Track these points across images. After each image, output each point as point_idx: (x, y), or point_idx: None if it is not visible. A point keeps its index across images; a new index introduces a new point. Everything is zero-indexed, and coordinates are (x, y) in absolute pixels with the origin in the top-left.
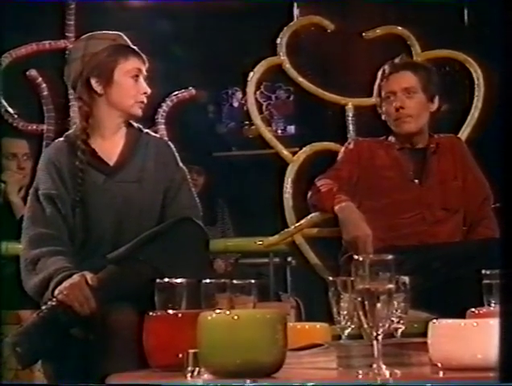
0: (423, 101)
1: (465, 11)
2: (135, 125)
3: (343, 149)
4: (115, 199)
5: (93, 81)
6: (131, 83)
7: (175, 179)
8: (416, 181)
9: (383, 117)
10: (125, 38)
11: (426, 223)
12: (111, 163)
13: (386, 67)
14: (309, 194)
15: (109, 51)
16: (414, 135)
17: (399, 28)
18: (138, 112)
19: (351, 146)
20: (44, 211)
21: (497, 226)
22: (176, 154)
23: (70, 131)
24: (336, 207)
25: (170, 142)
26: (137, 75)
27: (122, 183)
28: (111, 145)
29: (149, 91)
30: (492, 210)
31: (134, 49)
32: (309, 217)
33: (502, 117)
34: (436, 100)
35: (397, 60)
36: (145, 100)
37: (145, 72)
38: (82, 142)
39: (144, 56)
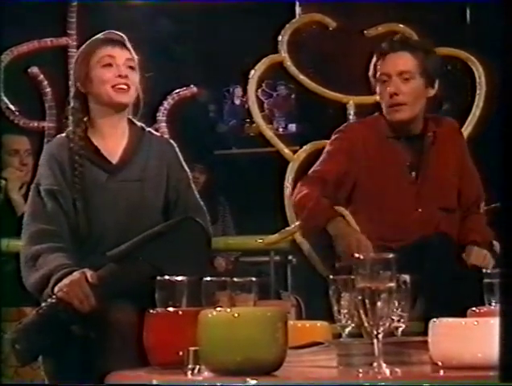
0: (421, 87)
1: (467, 10)
2: (138, 123)
3: (334, 137)
4: (117, 197)
5: (78, 83)
6: (103, 71)
7: (182, 180)
8: (413, 174)
9: (377, 98)
10: (115, 32)
11: (423, 224)
12: (114, 162)
13: (383, 44)
14: (293, 200)
15: (84, 49)
16: (407, 123)
17: (401, 26)
18: (119, 97)
19: (342, 135)
20: (45, 206)
21: (484, 228)
22: (179, 154)
23: (70, 128)
24: (329, 226)
25: (172, 141)
26: (109, 63)
27: (125, 182)
28: (114, 144)
29: (124, 73)
30: (481, 210)
31: (108, 39)
32: None
33: (503, 115)
34: (436, 84)
35: (395, 38)
36: (124, 85)
37: (123, 59)
38: (80, 138)
39: (124, 43)
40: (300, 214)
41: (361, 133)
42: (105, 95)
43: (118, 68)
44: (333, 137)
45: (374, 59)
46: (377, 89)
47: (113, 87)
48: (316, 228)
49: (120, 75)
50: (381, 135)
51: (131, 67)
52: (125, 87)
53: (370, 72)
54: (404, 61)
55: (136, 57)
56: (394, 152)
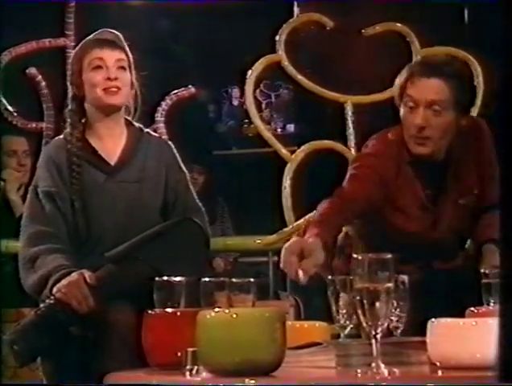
0: (452, 120)
1: (465, 10)
2: (136, 124)
3: (359, 162)
4: (116, 198)
5: (73, 86)
6: (93, 74)
7: (180, 181)
8: (430, 202)
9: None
10: (108, 31)
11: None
12: (112, 163)
13: (415, 66)
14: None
15: (76, 52)
16: (430, 156)
17: (398, 25)
18: (109, 100)
19: (370, 161)
20: (43, 208)
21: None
22: (177, 155)
23: (68, 129)
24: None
25: (170, 142)
26: (99, 66)
27: (123, 183)
28: (112, 145)
29: (114, 75)
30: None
31: (99, 39)
32: (307, 217)
33: (502, 114)
34: (469, 113)
35: (429, 62)
36: (115, 88)
37: (113, 60)
38: (77, 140)
39: (115, 42)
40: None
41: (383, 158)
42: (96, 98)
43: (108, 70)
44: (356, 164)
45: (402, 79)
46: (401, 112)
47: (103, 89)
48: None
49: (109, 78)
50: (402, 158)
51: (122, 68)
52: (115, 89)
53: (396, 90)
54: (437, 90)
55: (130, 56)
56: (412, 178)
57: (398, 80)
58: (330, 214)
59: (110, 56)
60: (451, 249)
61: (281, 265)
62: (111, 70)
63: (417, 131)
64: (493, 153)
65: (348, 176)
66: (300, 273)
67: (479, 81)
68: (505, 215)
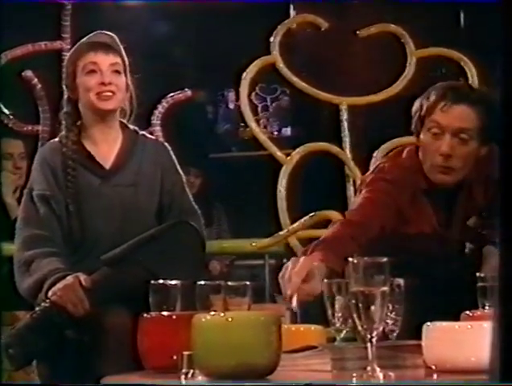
0: (476, 149)
1: (461, 13)
2: (131, 127)
3: (368, 188)
4: (111, 202)
5: (67, 89)
6: (87, 78)
7: (176, 183)
8: (439, 229)
9: (417, 143)
10: (103, 33)
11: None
12: (107, 167)
13: (445, 91)
14: None
15: (70, 55)
16: (449, 184)
17: (393, 26)
18: (103, 105)
19: (389, 183)
20: (38, 211)
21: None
22: (174, 157)
23: (63, 132)
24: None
25: (167, 144)
26: (93, 70)
27: (118, 187)
28: (107, 149)
29: (108, 80)
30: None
31: (93, 43)
32: (302, 220)
33: (503, 117)
34: (491, 141)
35: (459, 88)
36: (109, 92)
37: (107, 65)
38: (73, 143)
39: (110, 45)
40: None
41: (393, 186)
42: (90, 102)
43: (102, 75)
44: (365, 190)
45: (428, 102)
46: (423, 137)
47: (97, 94)
48: None
49: (103, 83)
50: (418, 187)
51: (117, 72)
52: (109, 94)
53: (415, 112)
54: (466, 117)
55: (126, 59)
56: (426, 205)
57: (419, 104)
58: (341, 238)
59: (104, 60)
60: (450, 254)
61: (280, 279)
62: (105, 74)
63: (442, 160)
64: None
65: (360, 199)
66: (294, 299)
67: (473, 82)
68: (505, 215)
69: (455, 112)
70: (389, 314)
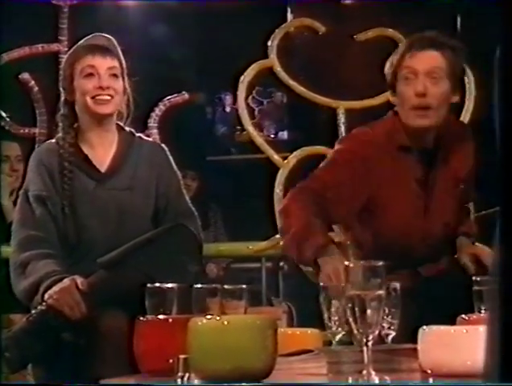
0: (448, 90)
1: (458, 18)
2: (127, 129)
3: (337, 147)
4: (106, 205)
5: (64, 92)
6: (84, 82)
7: (172, 185)
8: (421, 189)
9: (393, 101)
10: (101, 35)
11: (427, 240)
12: (102, 170)
13: (411, 40)
14: (279, 213)
15: (67, 58)
16: (427, 131)
17: (390, 30)
18: (100, 109)
19: (347, 145)
20: (34, 212)
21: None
22: (171, 158)
23: (60, 134)
24: (319, 260)
25: (164, 145)
26: (90, 73)
27: (113, 191)
28: (103, 152)
29: (106, 84)
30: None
31: (91, 46)
32: None
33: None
34: (460, 89)
35: (425, 36)
36: (107, 96)
37: (105, 68)
38: (69, 145)
39: (108, 48)
40: (284, 234)
41: (370, 143)
42: (87, 106)
43: (100, 79)
44: (337, 147)
45: (397, 56)
46: (398, 88)
47: (93, 98)
48: (303, 263)
49: (101, 87)
50: (393, 146)
51: (115, 75)
52: (107, 98)
53: (388, 69)
54: (435, 59)
55: (123, 62)
56: (404, 166)
57: (390, 61)
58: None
59: (102, 64)
60: (439, 251)
61: (325, 278)
62: (103, 78)
63: (418, 100)
64: (473, 161)
65: (327, 159)
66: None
67: (470, 86)
68: (505, 215)
69: (424, 57)
70: (385, 317)
